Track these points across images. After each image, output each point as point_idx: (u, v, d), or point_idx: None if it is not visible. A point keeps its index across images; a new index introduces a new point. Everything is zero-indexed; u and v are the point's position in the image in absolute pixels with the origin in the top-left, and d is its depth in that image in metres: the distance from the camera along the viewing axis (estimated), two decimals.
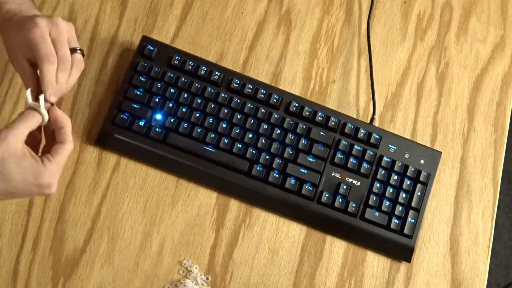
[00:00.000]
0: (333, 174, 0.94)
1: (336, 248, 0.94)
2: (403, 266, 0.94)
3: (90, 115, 0.95)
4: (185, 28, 1.01)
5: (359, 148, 0.95)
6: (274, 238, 0.94)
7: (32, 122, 0.71)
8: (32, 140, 0.73)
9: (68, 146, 0.72)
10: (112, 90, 0.96)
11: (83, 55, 0.79)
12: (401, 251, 0.94)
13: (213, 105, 0.94)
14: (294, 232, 0.94)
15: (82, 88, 0.96)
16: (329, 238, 0.94)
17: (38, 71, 0.75)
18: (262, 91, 0.96)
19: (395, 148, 0.96)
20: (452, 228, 0.97)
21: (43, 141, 0.75)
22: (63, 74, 0.75)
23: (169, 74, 0.95)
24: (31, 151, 0.70)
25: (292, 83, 1.01)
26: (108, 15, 1.00)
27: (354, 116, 1.00)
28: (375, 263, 0.94)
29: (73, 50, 0.77)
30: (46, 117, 0.72)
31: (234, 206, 0.94)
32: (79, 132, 0.93)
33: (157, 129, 0.92)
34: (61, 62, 0.75)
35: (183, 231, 0.92)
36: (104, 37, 0.99)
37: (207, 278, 0.90)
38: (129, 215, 0.92)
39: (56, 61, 0.74)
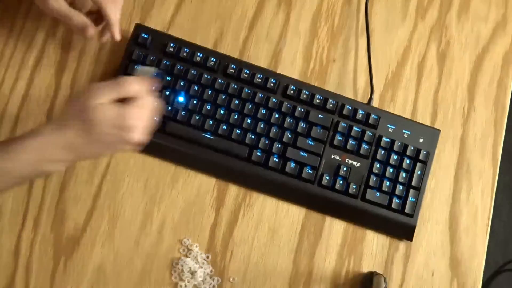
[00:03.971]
0: (332, 156, 0.94)
1: (336, 227, 0.95)
2: (402, 244, 0.95)
3: None
4: (184, 6, 1.01)
5: (358, 129, 0.95)
6: (274, 217, 0.94)
7: (122, 91, 0.77)
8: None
9: (148, 98, 0.79)
10: (111, 71, 0.96)
11: None
12: (402, 230, 0.94)
13: (210, 91, 0.94)
14: (294, 211, 0.94)
15: (82, 68, 0.95)
16: (328, 217, 0.95)
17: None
18: (259, 75, 0.95)
19: (393, 127, 0.96)
20: (451, 207, 0.97)
21: None
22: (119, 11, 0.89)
23: (165, 61, 0.94)
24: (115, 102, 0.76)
25: (292, 62, 1.00)
26: None
27: (355, 96, 1.00)
28: (374, 242, 0.95)
29: None
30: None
31: (234, 185, 0.94)
32: None
33: (155, 118, 0.92)
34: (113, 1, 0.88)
35: (183, 210, 0.93)
36: None
37: (207, 257, 0.91)
38: (130, 195, 0.92)
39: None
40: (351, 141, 0.94)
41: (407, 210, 0.94)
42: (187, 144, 0.93)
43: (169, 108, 0.92)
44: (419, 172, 0.95)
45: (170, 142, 0.93)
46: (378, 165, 0.94)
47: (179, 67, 0.94)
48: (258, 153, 0.93)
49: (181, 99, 0.93)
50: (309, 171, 0.93)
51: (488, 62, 1.04)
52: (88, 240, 0.90)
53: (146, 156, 0.93)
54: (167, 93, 0.93)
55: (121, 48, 0.96)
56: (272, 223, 0.94)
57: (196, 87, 0.94)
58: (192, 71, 0.94)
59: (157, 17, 0.99)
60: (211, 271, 0.90)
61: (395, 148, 0.95)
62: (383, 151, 0.95)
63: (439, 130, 0.98)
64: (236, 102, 0.94)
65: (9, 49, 0.95)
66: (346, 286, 0.93)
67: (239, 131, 0.93)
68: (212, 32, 1.00)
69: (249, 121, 0.94)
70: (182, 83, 0.93)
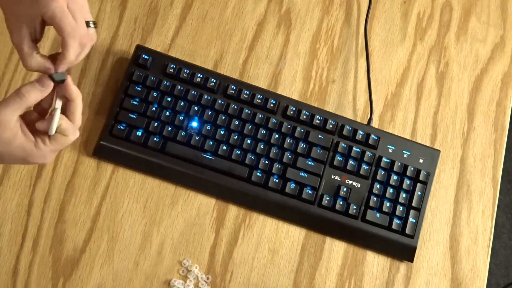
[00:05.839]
0: (333, 177, 0.94)
1: (336, 248, 0.94)
2: (403, 266, 0.94)
3: (89, 116, 0.95)
4: (185, 28, 1.01)
5: (357, 149, 0.95)
6: (274, 237, 0.94)
7: (29, 99, 0.69)
8: (29, 115, 0.71)
9: (70, 138, 0.71)
10: (111, 90, 0.96)
11: (95, 28, 0.75)
12: (403, 251, 0.94)
13: (210, 112, 0.94)
14: (294, 231, 0.94)
15: (82, 88, 0.96)
16: (329, 238, 0.94)
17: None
18: (259, 96, 0.96)
19: (393, 148, 0.96)
20: (452, 228, 0.97)
21: None
22: (80, 50, 0.73)
23: (165, 82, 0.95)
24: (24, 128, 0.69)
25: (292, 83, 1.01)
26: (108, 14, 1.00)
27: (354, 116, 1.00)
28: (375, 263, 0.94)
29: (86, 24, 0.73)
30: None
31: (234, 206, 0.94)
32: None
33: (155, 138, 0.92)
34: (80, 37, 0.72)
35: (183, 231, 0.92)
36: (104, 36, 0.99)
37: (208, 278, 0.90)
38: (129, 215, 0.92)
39: (78, 35, 0.71)
40: (351, 162, 0.94)
41: (407, 231, 0.93)
42: (187, 164, 0.93)
43: (169, 129, 0.93)
44: (419, 193, 0.95)
45: (170, 162, 0.92)
46: (378, 186, 0.94)
47: (179, 88, 0.94)
48: (258, 173, 0.93)
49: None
50: (309, 191, 0.93)
51: (487, 83, 1.05)
52: (87, 261, 0.89)
53: (145, 177, 0.93)
54: (167, 114, 0.93)
55: (122, 69, 0.96)
56: (272, 244, 0.93)
57: (196, 108, 0.94)
58: (192, 92, 0.95)
59: (157, 38, 1.00)
60: None
61: (395, 168, 0.95)
62: (383, 172, 0.95)
63: (439, 151, 0.98)
64: (236, 122, 0.94)
65: (10, 71, 0.96)
66: None
67: (239, 152, 0.93)
68: (212, 53, 1.01)
69: (249, 141, 0.94)
70: (182, 104, 0.94)
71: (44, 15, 0.70)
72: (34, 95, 0.70)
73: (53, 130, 0.70)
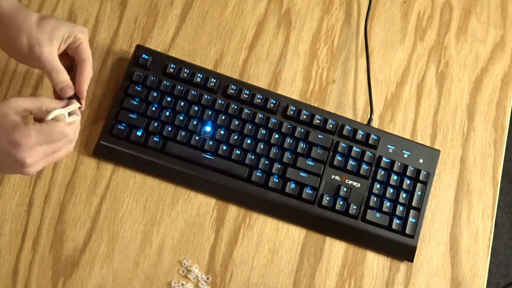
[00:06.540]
0: (332, 177, 0.94)
1: (336, 248, 0.94)
2: (403, 266, 0.94)
3: (90, 116, 0.95)
4: (185, 28, 1.01)
5: (357, 149, 0.95)
6: (274, 237, 0.94)
7: (37, 105, 0.74)
8: None
9: (61, 124, 0.74)
10: (111, 90, 0.96)
11: None
12: (403, 251, 0.94)
13: (210, 112, 0.94)
14: (294, 231, 0.94)
15: None
16: (329, 238, 0.94)
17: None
18: (259, 96, 0.96)
19: (393, 148, 0.96)
20: (452, 228, 0.97)
21: None
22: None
23: (165, 82, 0.95)
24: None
25: (292, 83, 1.01)
26: (108, 15, 1.00)
27: (354, 116, 1.00)
28: (375, 263, 0.94)
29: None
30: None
31: (234, 206, 0.94)
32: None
33: (155, 138, 0.92)
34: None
35: (183, 230, 0.92)
36: (104, 36, 0.99)
37: (208, 278, 0.90)
38: (129, 215, 0.92)
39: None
40: (351, 162, 0.94)
41: (407, 231, 0.93)
42: (187, 164, 0.93)
43: (169, 129, 0.93)
44: (419, 193, 0.95)
45: (170, 162, 0.92)
46: (378, 186, 0.94)
47: (179, 87, 0.94)
48: (258, 173, 0.93)
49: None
50: (309, 191, 0.93)
51: (487, 83, 1.05)
52: (87, 261, 0.89)
53: (145, 177, 0.93)
54: (167, 113, 0.93)
55: (122, 69, 0.96)
56: (272, 244, 0.93)
57: (196, 108, 0.94)
58: (192, 92, 0.95)
59: (157, 38, 1.00)
60: None
61: (395, 168, 0.95)
62: (383, 172, 0.95)
63: (439, 151, 0.98)
64: (236, 122, 0.94)
65: (10, 71, 0.96)
66: None
67: (239, 152, 0.93)
68: (212, 53, 1.01)
69: (249, 141, 0.94)
70: (182, 103, 0.94)
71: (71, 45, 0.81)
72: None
73: (50, 116, 0.73)
